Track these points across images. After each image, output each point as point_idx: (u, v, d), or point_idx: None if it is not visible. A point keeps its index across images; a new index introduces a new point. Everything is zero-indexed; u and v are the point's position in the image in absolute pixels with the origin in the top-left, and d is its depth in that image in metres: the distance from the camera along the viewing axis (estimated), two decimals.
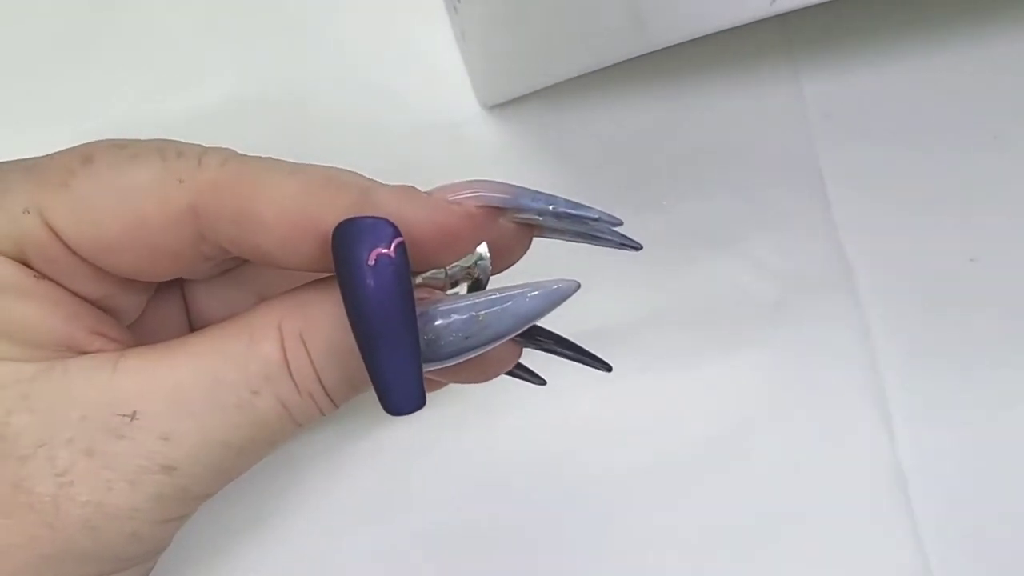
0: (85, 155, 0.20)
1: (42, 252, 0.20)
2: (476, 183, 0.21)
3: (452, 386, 0.30)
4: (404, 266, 0.18)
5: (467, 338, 0.19)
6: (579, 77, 0.28)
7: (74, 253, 0.20)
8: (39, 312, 0.20)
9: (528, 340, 0.24)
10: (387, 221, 0.18)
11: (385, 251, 0.18)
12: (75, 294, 0.21)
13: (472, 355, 0.20)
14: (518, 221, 0.22)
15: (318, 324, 0.20)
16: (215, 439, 0.20)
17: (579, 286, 0.20)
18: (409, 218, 0.19)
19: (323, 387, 0.20)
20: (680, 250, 0.32)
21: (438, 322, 0.19)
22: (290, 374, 0.20)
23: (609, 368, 0.25)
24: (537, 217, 0.21)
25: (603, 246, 0.22)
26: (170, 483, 0.20)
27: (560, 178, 0.28)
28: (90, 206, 0.19)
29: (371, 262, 0.18)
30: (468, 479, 0.30)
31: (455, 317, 0.19)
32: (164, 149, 0.20)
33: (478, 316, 0.19)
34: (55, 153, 0.20)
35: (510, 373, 0.26)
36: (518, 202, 0.21)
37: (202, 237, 0.20)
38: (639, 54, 0.27)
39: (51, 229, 0.19)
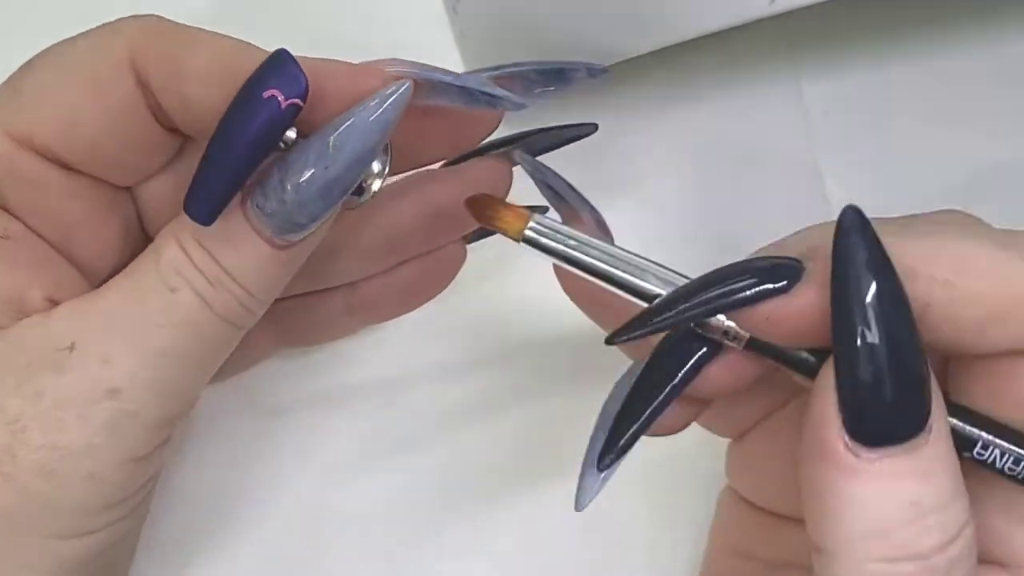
0: (27, 64, 0.21)
1: (11, 169, 0.20)
2: (394, 60, 0.21)
3: (449, 387, 0.30)
4: (281, 122, 0.19)
5: (327, 167, 0.20)
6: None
7: (45, 159, 0.20)
8: None
9: (506, 152, 0.25)
10: (303, 81, 0.19)
11: (280, 98, 0.19)
12: (47, 242, 0.21)
13: (342, 186, 0.20)
14: (490, 78, 0.22)
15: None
16: (150, 348, 0.20)
17: (410, 84, 0.20)
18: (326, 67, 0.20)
19: (228, 273, 0.20)
20: (679, 250, 0.32)
21: (294, 163, 0.20)
22: (196, 267, 0.20)
23: (595, 127, 0.25)
24: (450, 103, 0.22)
25: (575, 82, 0.23)
26: (119, 409, 0.20)
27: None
28: (43, 93, 0.20)
29: (264, 95, 0.19)
30: (465, 477, 0.30)
31: (308, 152, 0.20)
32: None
33: (328, 141, 0.20)
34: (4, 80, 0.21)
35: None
36: (428, 75, 0.21)
37: (142, 84, 0.20)
38: (639, 54, 0.27)
39: (14, 139, 0.20)
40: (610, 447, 0.20)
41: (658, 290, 0.20)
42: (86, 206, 0.21)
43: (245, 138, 0.19)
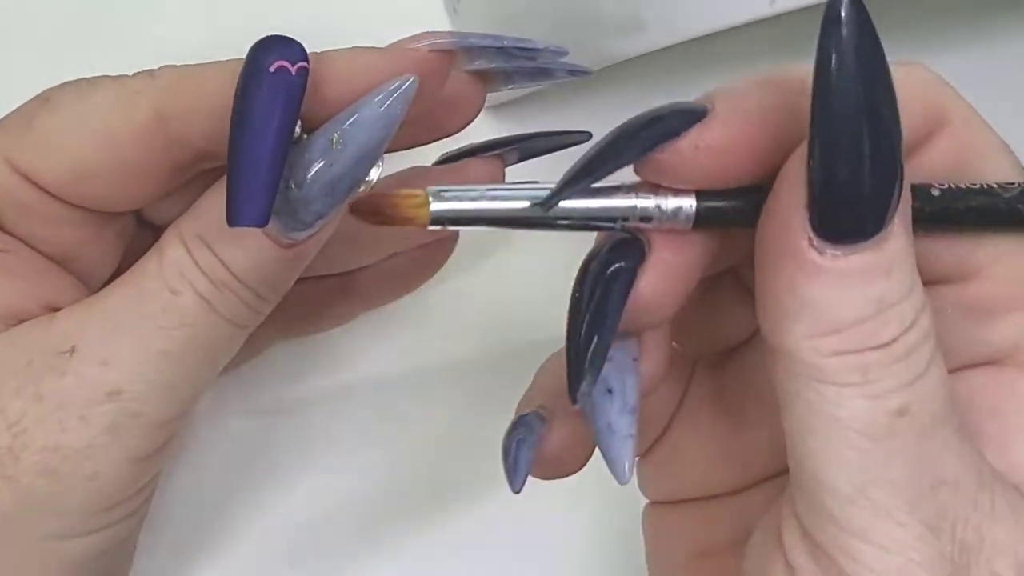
0: (43, 97, 0.20)
1: (14, 200, 0.20)
2: (426, 33, 0.21)
3: (450, 386, 0.30)
4: (298, 89, 0.18)
5: (331, 166, 0.19)
6: None
7: (48, 194, 0.20)
8: None
9: (500, 153, 0.25)
10: (301, 46, 0.19)
11: (287, 65, 0.18)
12: (46, 256, 0.21)
13: (347, 184, 0.19)
14: (471, 71, 0.22)
15: (211, 220, 0.20)
16: (151, 350, 0.20)
17: (415, 78, 0.19)
18: (365, 66, 0.20)
19: (233, 274, 0.20)
20: None
21: (298, 161, 0.19)
22: (200, 269, 0.20)
23: (589, 135, 0.25)
24: (489, 65, 0.22)
25: (556, 80, 0.23)
26: (120, 410, 0.20)
27: (553, 167, 0.27)
28: (57, 139, 0.20)
29: (271, 69, 0.18)
30: (466, 477, 0.30)
31: (312, 149, 0.19)
32: (116, 76, 0.20)
33: (332, 139, 0.19)
34: (18, 107, 0.21)
35: None
36: (468, 41, 0.21)
37: (172, 141, 0.20)
38: (639, 54, 0.27)
39: (20, 174, 0.20)
40: (576, 377, 0.18)
41: (601, 202, 0.19)
42: (86, 231, 0.22)
43: (270, 119, 0.18)
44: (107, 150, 0.20)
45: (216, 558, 0.29)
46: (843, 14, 0.16)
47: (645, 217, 0.19)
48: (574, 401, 0.19)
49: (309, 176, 0.19)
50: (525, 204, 0.19)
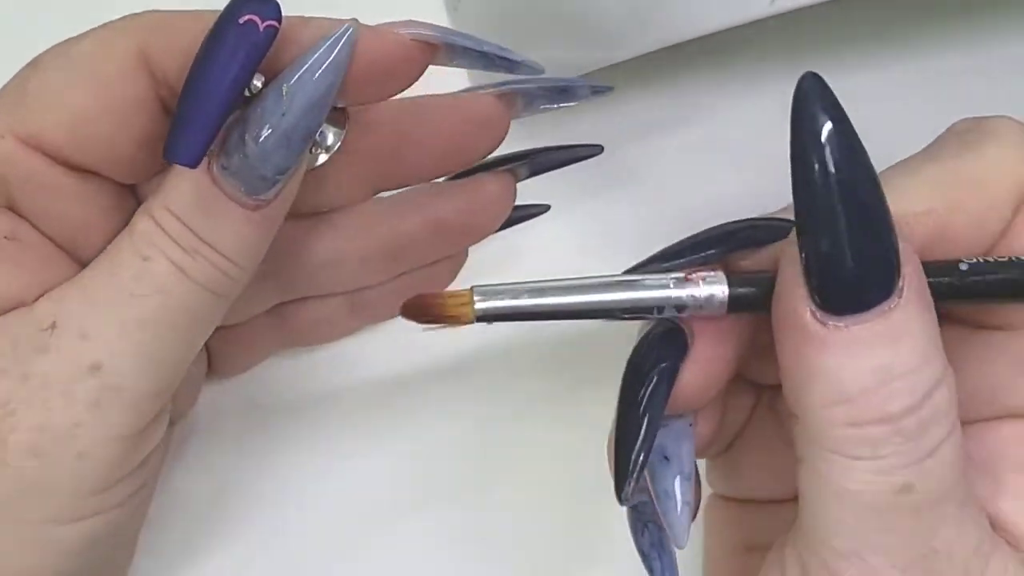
0: (32, 63, 0.21)
1: (20, 171, 0.20)
2: (412, 22, 0.21)
3: (450, 386, 0.30)
4: (261, 45, 0.19)
5: (284, 115, 0.20)
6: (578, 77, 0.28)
7: (52, 159, 0.20)
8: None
9: (512, 168, 0.25)
10: (277, 5, 0.19)
11: (256, 20, 0.19)
12: (53, 240, 0.21)
13: (301, 134, 0.20)
14: (494, 95, 0.23)
15: (176, 191, 0.21)
16: (128, 319, 0.20)
17: (356, 25, 0.20)
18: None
19: (201, 239, 0.20)
20: None
21: (252, 116, 0.20)
22: (169, 236, 0.20)
23: (600, 148, 0.25)
24: (471, 66, 0.22)
25: (579, 99, 0.24)
26: (102, 385, 0.20)
27: (559, 177, 0.27)
28: (49, 93, 0.20)
29: (240, 21, 0.19)
30: (465, 477, 0.30)
31: (265, 102, 0.20)
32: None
33: (282, 90, 0.20)
34: (10, 79, 0.21)
35: (512, 222, 0.27)
36: (450, 38, 0.21)
37: (156, 79, 0.20)
38: (639, 54, 0.27)
39: (23, 141, 0.20)
40: (620, 480, 0.20)
41: (636, 295, 0.19)
42: (93, 207, 0.22)
43: (227, 66, 0.19)
44: (94, 90, 0.20)
45: (216, 558, 0.29)
46: (804, 85, 0.18)
47: (680, 306, 0.19)
48: (621, 503, 0.20)
49: (264, 129, 0.20)
50: (568, 299, 0.20)
